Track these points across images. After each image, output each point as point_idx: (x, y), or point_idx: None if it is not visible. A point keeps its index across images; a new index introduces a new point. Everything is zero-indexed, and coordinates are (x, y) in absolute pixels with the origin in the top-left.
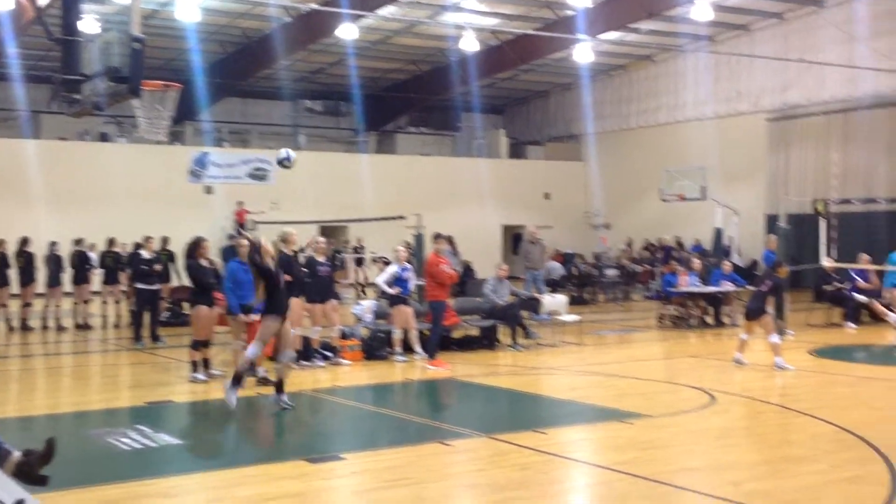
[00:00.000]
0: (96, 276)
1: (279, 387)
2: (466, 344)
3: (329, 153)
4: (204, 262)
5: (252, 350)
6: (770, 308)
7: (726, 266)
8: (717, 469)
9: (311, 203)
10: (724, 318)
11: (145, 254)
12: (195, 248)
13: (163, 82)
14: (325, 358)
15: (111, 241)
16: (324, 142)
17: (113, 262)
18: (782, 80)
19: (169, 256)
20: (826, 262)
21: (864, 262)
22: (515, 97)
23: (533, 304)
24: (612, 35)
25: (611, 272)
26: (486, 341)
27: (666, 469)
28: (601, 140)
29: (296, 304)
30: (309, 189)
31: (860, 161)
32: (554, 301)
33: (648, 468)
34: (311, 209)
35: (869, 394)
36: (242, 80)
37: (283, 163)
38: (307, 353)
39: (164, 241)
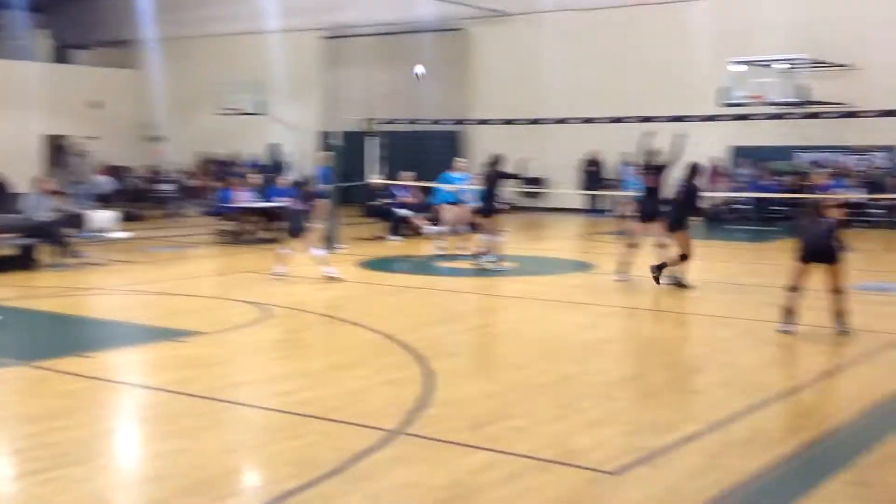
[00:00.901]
0: None
1: None
2: (1, 264)
3: None
4: None
5: None
6: (311, 223)
7: (283, 181)
8: (270, 381)
9: None
10: (281, 233)
11: None
12: None
13: None
14: None
15: None
16: None
17: None
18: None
19: None
20: (374, 179)
21: (408, 180)
22: None
23: (78, 221)
24: None
25: (166, 187)
26: (25, 261)
27: (219, 385)
28: (155, 47)
29: None
30: None
31: (407, 82)
32: (103, 217)
33: (202, 385)
34: None
35: (409, 302)
36: None
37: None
38: None
39: None
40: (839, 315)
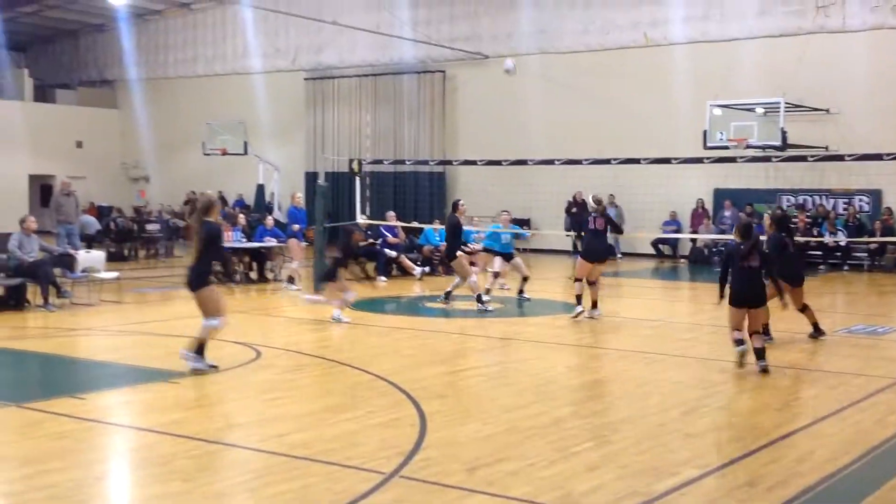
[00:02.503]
0: None
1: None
2: None
3: None
4: None
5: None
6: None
7: (269, 222)
8: (263, 423)
9: None
10: (268, 274)
11: None
12: None
13: None
14: None
15: None
16: None
17: None
18: (318, 41)
19: None
20: (361, 219)
21: (393, 219)
22: (41, 35)
23: (66, 261)
24: None
25: (152, 227)
26: (13, 302)
27: (213, 427)
28: (139, 88)
29: None
30: None
31: (389, 123)
32: (90, 257)
33: (195, 427)
34: None
35: (398, 342)
36: None
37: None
38: None
39: None
40: (759, 354)
